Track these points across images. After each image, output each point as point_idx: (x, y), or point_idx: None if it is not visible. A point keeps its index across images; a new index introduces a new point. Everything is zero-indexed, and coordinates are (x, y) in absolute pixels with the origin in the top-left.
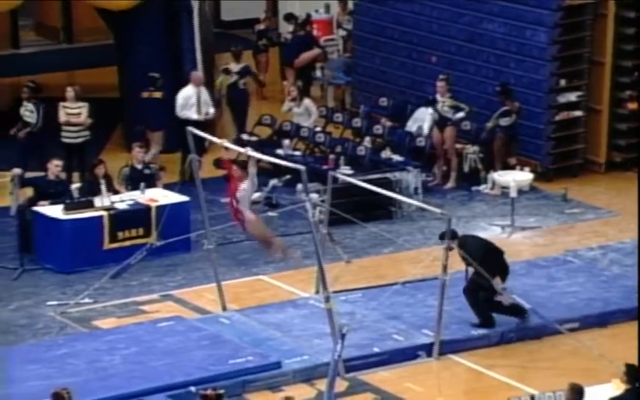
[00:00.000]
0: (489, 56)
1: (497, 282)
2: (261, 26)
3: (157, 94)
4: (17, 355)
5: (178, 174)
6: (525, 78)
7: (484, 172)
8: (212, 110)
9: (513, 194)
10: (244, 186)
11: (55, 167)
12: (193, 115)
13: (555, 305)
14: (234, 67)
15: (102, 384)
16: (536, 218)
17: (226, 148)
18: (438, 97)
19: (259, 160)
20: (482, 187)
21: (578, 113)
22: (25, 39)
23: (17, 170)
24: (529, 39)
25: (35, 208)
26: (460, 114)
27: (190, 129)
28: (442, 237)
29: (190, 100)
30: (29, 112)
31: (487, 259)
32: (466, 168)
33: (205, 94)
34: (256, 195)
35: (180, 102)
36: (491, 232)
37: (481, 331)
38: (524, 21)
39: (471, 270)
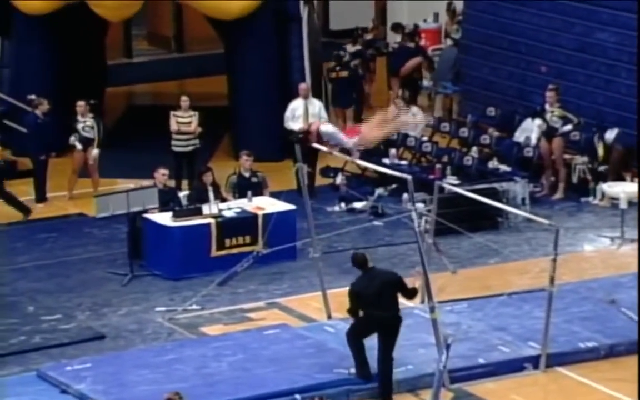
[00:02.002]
0: (599, 66)
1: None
2: (369, 35)
3: (344, 73)
4: (127, 360)
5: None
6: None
7: (593, 183)
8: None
9: (623, 205)
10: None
11: (162, 176)
12: (297, 127)
13: None
14: (350, 48)
15: (209, 390)
16: None
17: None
18: (547, 107)
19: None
20: (591, 199)
21: None
22: (138, 48)
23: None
24: None
25: (145, 215)
26: (569, 127)
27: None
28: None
29: (297, 112)
30: (88, 127)
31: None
32: (575, 179)
33: (315, 107)
34: (362, 204)
35: (287, 113)
36: (600, 243)
37: (589, 344)
38: (636, 30)
39: None
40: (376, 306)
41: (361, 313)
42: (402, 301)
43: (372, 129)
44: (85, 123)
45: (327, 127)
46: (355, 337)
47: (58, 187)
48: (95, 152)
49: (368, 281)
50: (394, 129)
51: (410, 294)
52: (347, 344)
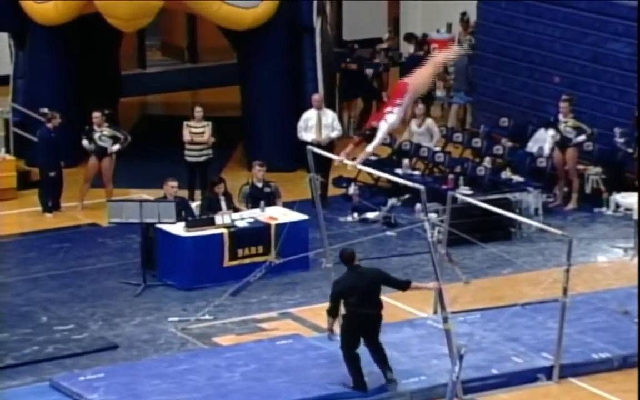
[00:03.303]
0: (613, 77)
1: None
2: (384, 45)
3: (353, 66)
4: (140, 370)
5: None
6: None
7: (606, 194)
8: (334, 134)
9: (636, 216)
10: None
11: (171, 188)
12: (309, 137)
13: None
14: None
15: None
16: None
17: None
18: (560, 117)
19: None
20: (604, 209)
21: None
22: (152, 58)
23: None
24: None
25: (158, 225)
26: (582, 137)
27: (310, 147)
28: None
29: (310, 123)
30: (105, 137)
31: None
32: (588, 189)
33: (328, 118)
34: (374, 214)
35: (300, 124)
36: (613, 254)
37: (602, 355)
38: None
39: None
40: (362, 304)
41: (342, 311)
42: (414, 311)
43: (418, 77)
44: (102, 133)
45: (389, 121)
46: (347, 349)
47: (69, 197)
48: (116, 147)
49: (356, 278)
50: (439, 64)
51: (403, 285)
52: (342, 358)
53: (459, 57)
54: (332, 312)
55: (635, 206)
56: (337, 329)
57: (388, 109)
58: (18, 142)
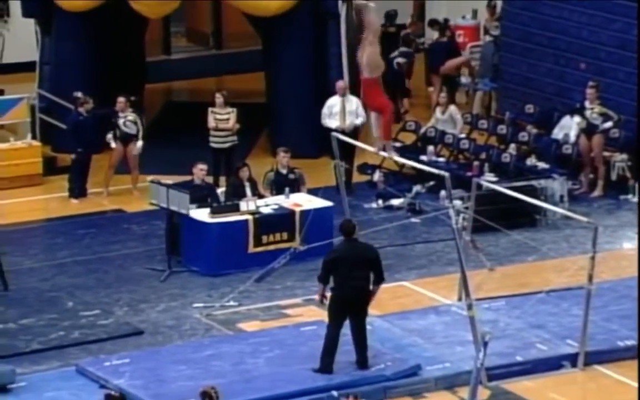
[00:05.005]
0: None
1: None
2: (408, 31)
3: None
4: (165, 355)
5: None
6: None
7: (632, 181)
8: (358, 121)
9: None
10: None
11: (200, 171)
12: (334, 124)
13: None
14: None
15: (247, 386)
16: None
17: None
18: (587, 104)
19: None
20: (630, 196)
21: None
22: (177, 45)
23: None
24: None
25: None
26: (609, 124)
27: (335, 134)
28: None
29: (334, 109)
30: (130, 122)
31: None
32: (614, 176)
33: (353, 104)
34: (399, 201)
35: (324, 110)
36: (637, 242)
37: (628, 342)
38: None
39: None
40: (352, 276)
41: (331, 283)
42: (438, 297)
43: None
44: (127, 118)
45: None
46: (332, 324)
47: (95, 183)
48: (140, 143)
49: (351, 250)
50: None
51: (380, 278)
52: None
53: (485, 43)
54: (323, 279)
55: None
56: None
57: None
58: (44, 128)
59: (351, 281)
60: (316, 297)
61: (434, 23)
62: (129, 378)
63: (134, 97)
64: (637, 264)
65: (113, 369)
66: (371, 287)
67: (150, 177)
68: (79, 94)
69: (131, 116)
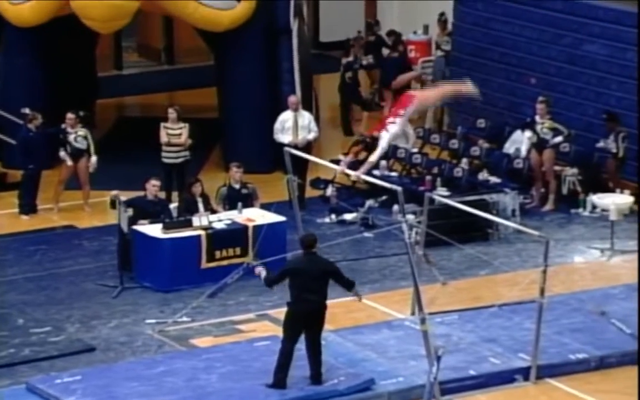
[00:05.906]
0: (589, 78)
1: None
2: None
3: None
4: (117, 372)
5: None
6: (626, 100)
7: (583, 195)
8: (311, 136)
9: (613, 217)
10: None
11: (153, 187)
12: (286, 139)
13: None
14: (343, 60)
15: None
16: (636, 242)
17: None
18: (537, 118)
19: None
20: (580, 210)
21: None
22: (128, 60)
23: (115, 192)
24: (630, 60)
25: (135, 227)
26: (559, 138)
27: (288, 149)
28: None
29: (286, 124)
30: (80, 138)
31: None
32: (565, 190)
33: (305, 119)
34: (352, 215)
35: (276, 125)
36: (590, 255)
37: (579, 355)
38: (626, 42)
39: None
40: (308, 290)
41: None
42: (391, 312)
43: (427, 93)
44: (77, 133)
45: (391, 131)
46: (286, 339)
47: (45, 199)
48: (94, 158)
49: (308, 263)
50: (448, 93)
51: (348, 284)
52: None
53: (437, 58)
54: (270, 282)
55: (612, 207)
56: (262, 271)
57: (390, 119)
58: None
59: (307, 294)
60: (256, 270)
61: (391, 33)
62: (80, 395)
63: (82, 112)
64: (637, 269)
65: (64, 386)
66: (350, 298)
67: (114, 192)
68: (27, 110)
69: (82, 131)
